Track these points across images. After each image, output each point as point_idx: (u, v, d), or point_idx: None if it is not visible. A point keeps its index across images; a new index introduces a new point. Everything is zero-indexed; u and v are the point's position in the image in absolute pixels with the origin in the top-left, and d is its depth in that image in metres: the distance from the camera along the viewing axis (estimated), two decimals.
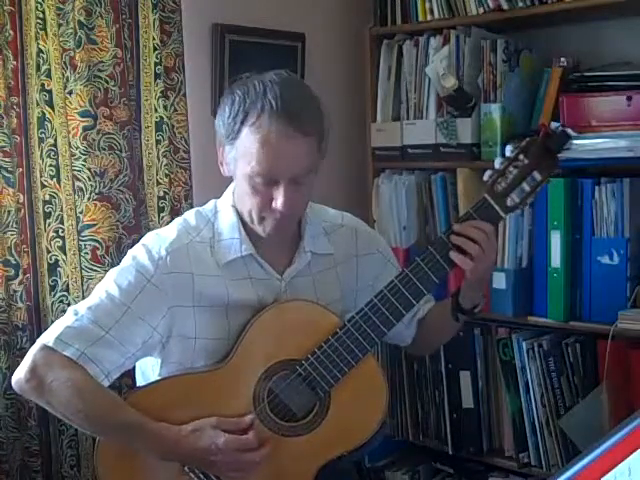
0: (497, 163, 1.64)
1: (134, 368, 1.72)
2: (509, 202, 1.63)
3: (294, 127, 1.53)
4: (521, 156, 1.62)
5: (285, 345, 1.63)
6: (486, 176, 1.64)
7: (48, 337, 1.58)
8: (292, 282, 1.69)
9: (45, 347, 1.57)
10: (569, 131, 1.67)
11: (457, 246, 1.61)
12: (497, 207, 1.62)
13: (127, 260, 1.64)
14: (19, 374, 1.58)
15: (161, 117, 2.18)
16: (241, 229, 1.65)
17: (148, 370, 1.71)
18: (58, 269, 2.08)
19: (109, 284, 1.62)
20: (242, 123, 1.55)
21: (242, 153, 1.57)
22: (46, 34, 2.01)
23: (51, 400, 1.55)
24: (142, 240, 1.68)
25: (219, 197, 1.74)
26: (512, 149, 1.64)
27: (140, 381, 1.75)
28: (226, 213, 1.68)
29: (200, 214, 1.70)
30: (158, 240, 1.64)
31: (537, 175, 1.63)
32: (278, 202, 1.56)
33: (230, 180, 1.71)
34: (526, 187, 1.62)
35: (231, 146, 1.59)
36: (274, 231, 1.62)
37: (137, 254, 1.63)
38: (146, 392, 1.63)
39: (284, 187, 1.55)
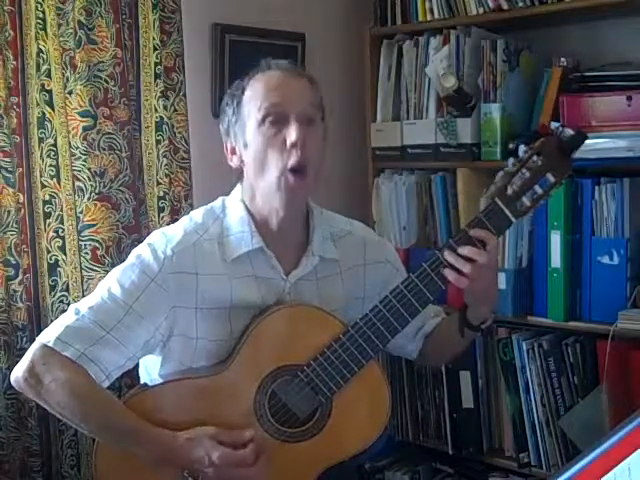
0: (510, 164, 1.58)
1: (136, 366, 1.71)
2: (520, 206, 1.57)
3: (293, 70, 1.66)
4: (535, 157, 1.56)
5: (287, 350, 1.61)
6: (498, 178, 1.58)
7: (48, 336, 1.57)
8: (296, 285, 1.68)
9: (44, 346, 1.56)
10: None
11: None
12: (507, 211, 1.56)
13: (131, 259, 1.63)
14: (17, 372, 1.57)
15: (161, 117, 2.18)
16: (251, 222, 1.65)
17: (150, 367, 1.70)
18: (58, 269, 2.07)
19: (112, 283, 1.61)
20: (243, 89, 1.63)
21: (249, 107, 1.61)
22: (46, 34, 2.01)
23: (48, 400, 1.55)
24: (147, 239, 1.67)
25: (219, 197, 1.74)
26: (525, 150, 1.58)
27: (144, 377, 1.74)
28: (235, 209, 1.67)
29: (208, 211, 1.70)
30: (164, 239, 1.63)
31: (550, 177, 1.57)
32: (292, 135, 1.57)
33: (232, 180, 1.71)
34: (539, 190, 1.57)
35: (236, 117, 1.63)
36: (295, 186, 1.59)
37: (142, 253, 1.62)
38: (146, 396, 1.62)
39: (294, 121, 1.58)
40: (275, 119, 1.58)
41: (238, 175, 1.70)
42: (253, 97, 1.61)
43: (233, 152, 1.67)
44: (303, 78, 1.65)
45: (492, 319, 1.73)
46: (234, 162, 1.67)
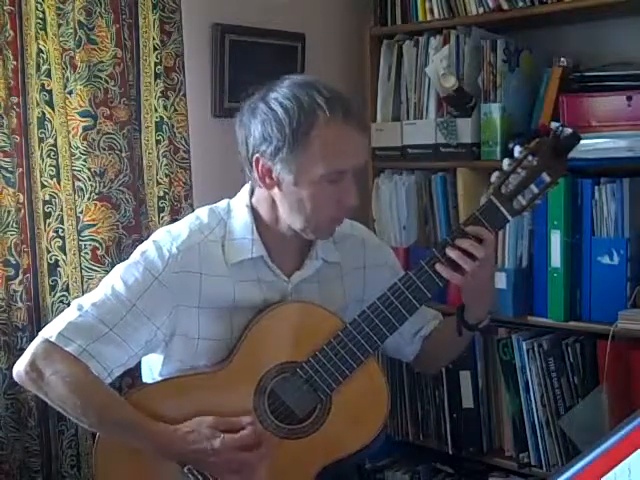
0: (505, 164, 1.60)
1: (137, 366, 1.71)
2: (516, 204, 1.59)
3: (358, 123, 1.59)
4: (530, 157, 1.58)
5: (286, 347, 1.62)
6: (493, 177, 1.60)
7: (50, 331, 1.57)
8: (299, 286, 1.68)
9: (47, 341, 1.56)
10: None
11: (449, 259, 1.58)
12: (503, 209, 1.58)
13: (135, 256, 1.63)
14: (19, 366, 1.58)
15: (161, 117, 2.18)
16: (254, 230, 1.64)
17: (153, 366, 1.71)
18: (58, 269, 2.07)
19: (115, 280, 1.61)
20: (309, 128, 1.53)
21: (314, 155, 1.54)
22: (46, 34, 2.01)
23: (49, 393, 1.55)
24: (152, 236, 1.67)
25: (219, 197, 1.73)
26: (520, 150, 1.60)
27: (146, 377, 1.75)
28: (240, 213, 1.66)
29: (213, 212, 1.69)
30: (169, 237, 1.63)
31: (546, 177, 1.59)
32: (351, 196, 1.59)
33: (232, 179, 1.71)
34: (534, 189, 1.58)
35: (292, 155, 1.54)
36: (331, 233, 1.65)
37: (146, 250, 1.62)
38: (146, 392, 1.63)
39: (352, 183, 1.59)
40: (336, 180, 1.57)
41: (251, 180, 1.67)
42: (323, 149, 1.54)
43: (268, 173, 1.59)
44: (366, 134, 1.64)
45: (489, 319, 1.73)
46: (265, 183, 1.60)
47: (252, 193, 1.68)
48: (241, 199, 1.69)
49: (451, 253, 1.57)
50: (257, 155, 1.59)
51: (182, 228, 1.65)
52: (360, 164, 1.61)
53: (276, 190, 1.61)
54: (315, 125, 1.54)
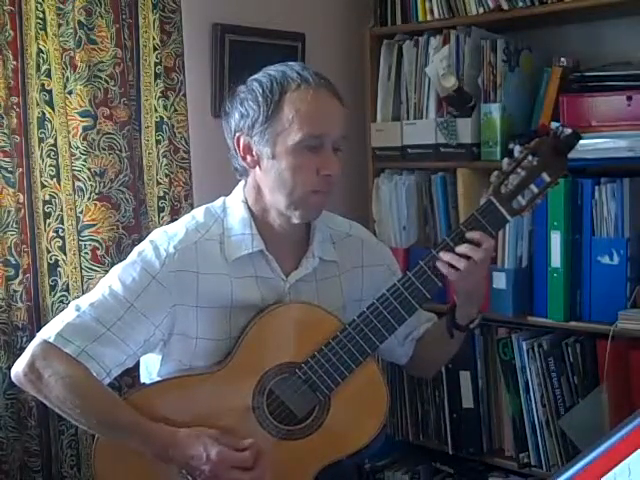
0: (504, 164, 1.60)
1: (136, 366, 1.71)
2: (515, 205, 1.58)
3: (333, 92, 1.60)
4: (530, 157, 1.58)
5: (285, 348, 1.62)
6: (492, 177, 1.60)
7: (49, 332, 1.57)
8: (296, 285, 1.68)
9: (45, 342, 1.56)
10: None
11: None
12: (503, 210, 1.58)
13: (132, 256, 1.64)
14: (17, 367, 1.58)
15: (161, 117, 2.18)
16: (252, 225, 1.65)
17: (151, 366, 1.71)
18: (58, 269, 2.07)
19: (113, 280, 1.61)
20: (281, 96, 1.57)
21: (289, 123, 1.56)
22: (46, 34, 2.01)
23: (48, 395, 1.55)
24: (149, 236, 1.68)
25: (218, 197, 1.73)
26: (520, 150, 1.60)
27: (144, 376, 1.75)
28: (237, 209, 1.67)
29: (209, 211, 1.69)
30: (166, 237, 1.64)
31: (546, 177, 1.58)
32: (330, 165, 1.58)
33: (232, 179, 1.71)
34: (534, 189, 1.58)
35: (266, 125, 1.57)
36: (317, 209, 1.63)
37: (143, 250, 1.63)
38: (145, 393, 1.63)
39: (331, 152, 1.59)
40: (313, 147, 1.57)
41: (240, 173, 1.69)
42: (296, 114, 1.56)
43: (248, 151, 1.62)
44: (341, 104, 1.62)
45: (480, 318, 1.74)
46: (247, 161, 1.63)
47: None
48: (236, 196, 1.70)
49: (448, 256, 1.57)
50: (238, 134, 1.62)
51: (179, 228, 1.66)
52: (337, 134, 1.60)
53: (258, 170, 1.63)
54: (287, 91, 1.57)
